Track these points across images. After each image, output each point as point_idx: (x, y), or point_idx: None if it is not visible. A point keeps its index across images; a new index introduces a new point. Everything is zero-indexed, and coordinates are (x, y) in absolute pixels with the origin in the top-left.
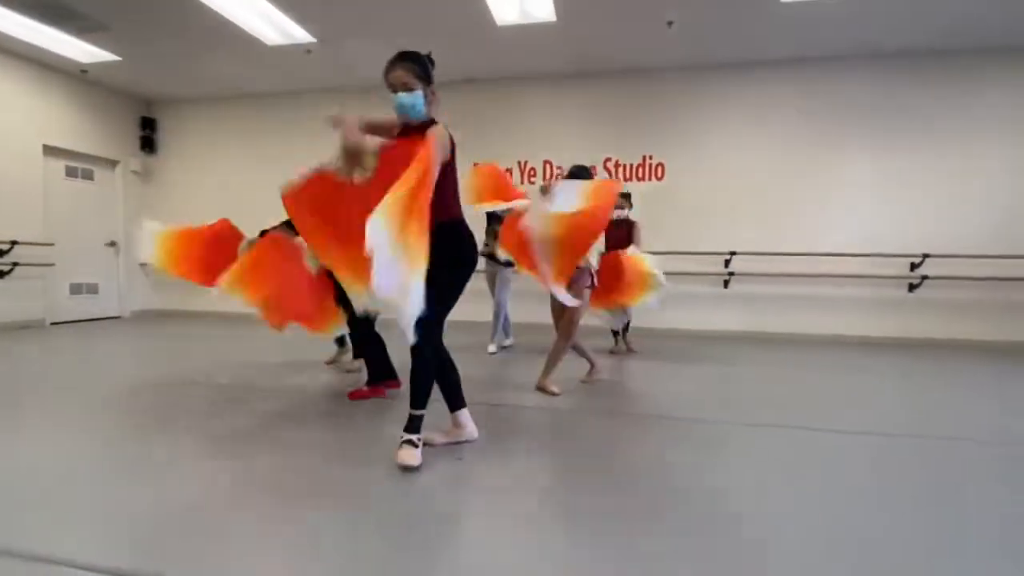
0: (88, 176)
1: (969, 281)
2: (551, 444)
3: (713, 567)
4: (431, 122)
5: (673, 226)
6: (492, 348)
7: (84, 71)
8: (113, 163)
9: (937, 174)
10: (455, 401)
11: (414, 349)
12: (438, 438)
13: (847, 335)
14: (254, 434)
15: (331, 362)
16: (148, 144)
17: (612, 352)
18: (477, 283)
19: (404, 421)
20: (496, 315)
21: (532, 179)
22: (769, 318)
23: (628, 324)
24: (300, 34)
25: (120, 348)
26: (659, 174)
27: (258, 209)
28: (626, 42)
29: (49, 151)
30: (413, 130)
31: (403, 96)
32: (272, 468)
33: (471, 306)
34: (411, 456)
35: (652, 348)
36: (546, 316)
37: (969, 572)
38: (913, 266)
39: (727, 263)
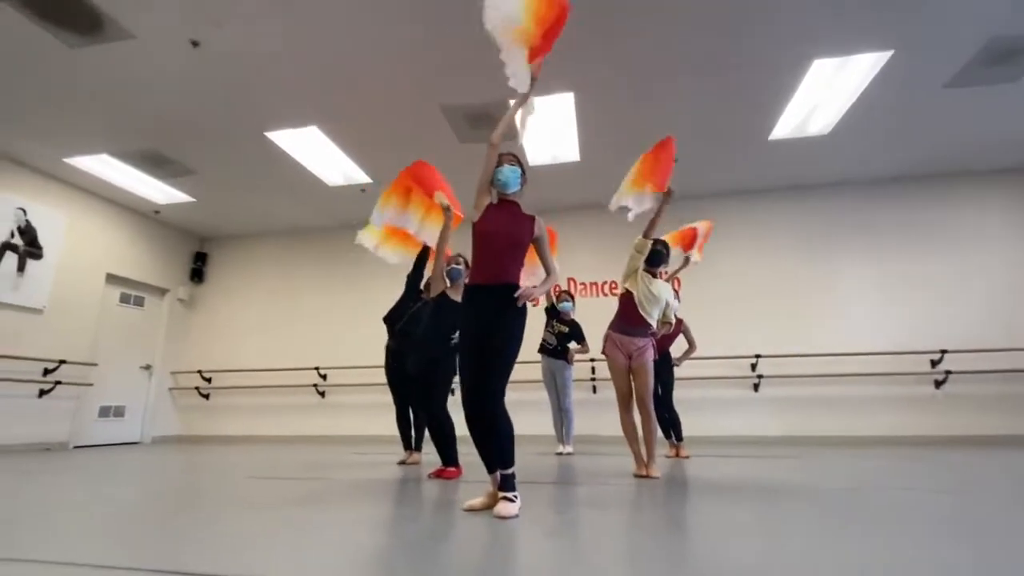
0: (139, 303)
1: (991, 374)
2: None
3: None
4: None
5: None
6: (569, 448)
7: (157, 212)
8: (163, 291)
9: (942, 276)
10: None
11: (493, 414)
12: (478, 503)
13: (885, 435)
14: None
15: (404, 462)
16: (197, 274)
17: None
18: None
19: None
20: (565, 414)
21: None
22: (800, 421)
23: (680, 429)
24: (360, 176)
25: (178, 459)
26: (674, 287)
27: (292, 335)
28: None
29: (111, 279)
30: (504, 204)
31: (506, 168)
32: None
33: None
34: (509, 509)
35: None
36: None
37: None
38: (933, 363)
39: (753, 367)
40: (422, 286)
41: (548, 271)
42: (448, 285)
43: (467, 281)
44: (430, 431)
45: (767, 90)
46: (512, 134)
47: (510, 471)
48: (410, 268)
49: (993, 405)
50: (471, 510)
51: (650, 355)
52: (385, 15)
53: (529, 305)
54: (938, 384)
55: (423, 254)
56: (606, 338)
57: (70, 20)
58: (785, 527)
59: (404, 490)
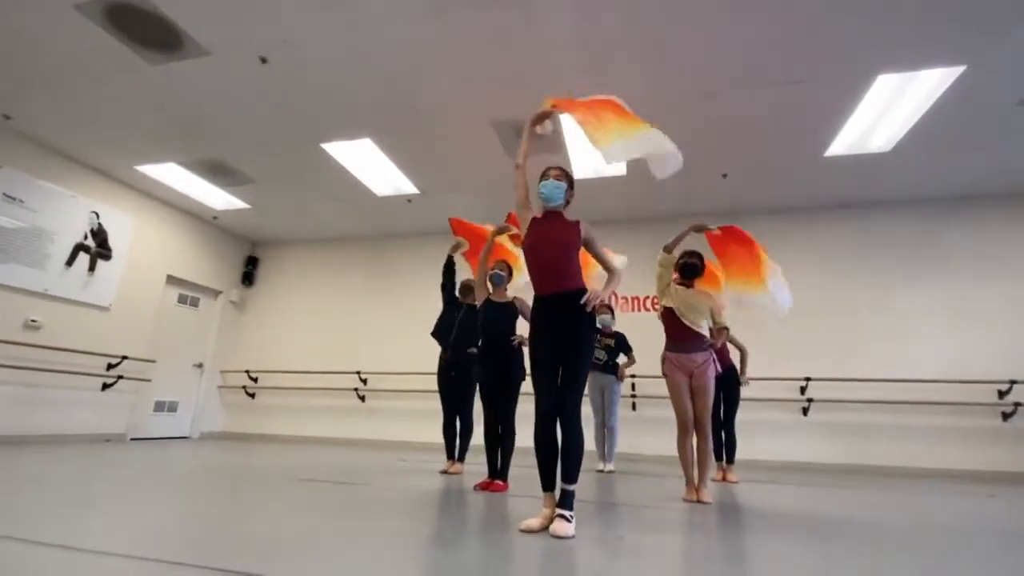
0: (194, 304)
1: None
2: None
3: None
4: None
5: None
6: (611, 466)
7: (215, 217)
8: (217, 293)
9: (1012, 302)
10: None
11: (570, 427)
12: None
13: (946, 468)
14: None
15: (445, 472)
16: (248, 278)
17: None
18: None
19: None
20: (610, 431)
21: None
22: (851, 448)
23: (734, 451)
24: (407, 187)
25: (228, 457)
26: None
27: (336, 340)
28: (685, 192)
29: (171, 280)
30: (548, 216)
31: (551, 182)
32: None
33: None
34: (566, 528)
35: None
36: None
37: None
38: (1001, 393)
39: (803, 390)
40: (458, 293)
41: (609, 271)
42: (491, 291)
43: (534, 295)
44: (488, 439)
45: (827, 105)
46: (555, 148)
47: (572, 488)
48: (440, 278)
49: None
50: (528, 531)
51: (711, 373)
52: (439, 31)
53: None
54: (1006, 416)
55: (449, 262)
56: (663, 359)
57: (153, 39)
58: (847, 570)
59: (456, 502)
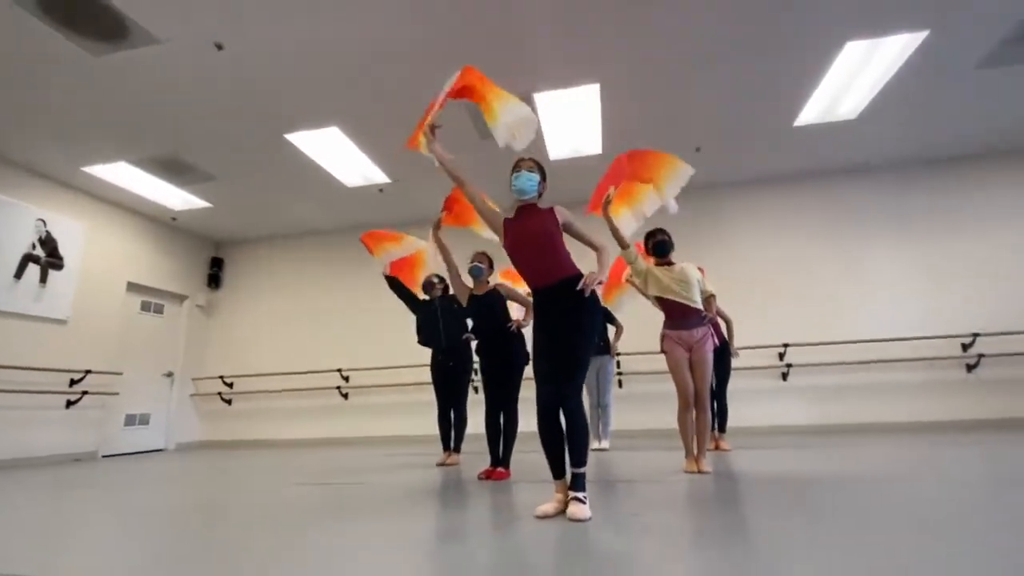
0: (159, 310)
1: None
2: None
3: None
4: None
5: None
6: (606, 444)
7: (174, 218)
8: (182, 298)
9: (972, 259)
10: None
11: (572, 411)
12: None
13: (918, 421)
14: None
15: (442, 463)
16: (214, 280)
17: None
18: None
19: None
20: (604, 409)
21: None
22: (830, 409)
23: (726, 421)
24: (378, 176)
25: (212, 467)
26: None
27: (313, 338)
28: None
29: (131, 287)
30: (522, 210)
31: (524, 174)
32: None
33: None
34: (582, 511)
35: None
36: None
37: None
38: (965, 347)
39: (781, 356)
40: (423, 291)
41: (597, 248)
42: (473, 285)
43: (530, 288)
44: (489, 429)
45: (795, 75)
46: (518, 141)
47: (582, 470)
48: (401, 301)
49: None
50: (544, 517)
51: (710, 346)
52: (406, 13)
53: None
54: (970, 368)
55: (391, 283)
56: (663, 337)
57: (95, 28)
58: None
59: (463, 494)
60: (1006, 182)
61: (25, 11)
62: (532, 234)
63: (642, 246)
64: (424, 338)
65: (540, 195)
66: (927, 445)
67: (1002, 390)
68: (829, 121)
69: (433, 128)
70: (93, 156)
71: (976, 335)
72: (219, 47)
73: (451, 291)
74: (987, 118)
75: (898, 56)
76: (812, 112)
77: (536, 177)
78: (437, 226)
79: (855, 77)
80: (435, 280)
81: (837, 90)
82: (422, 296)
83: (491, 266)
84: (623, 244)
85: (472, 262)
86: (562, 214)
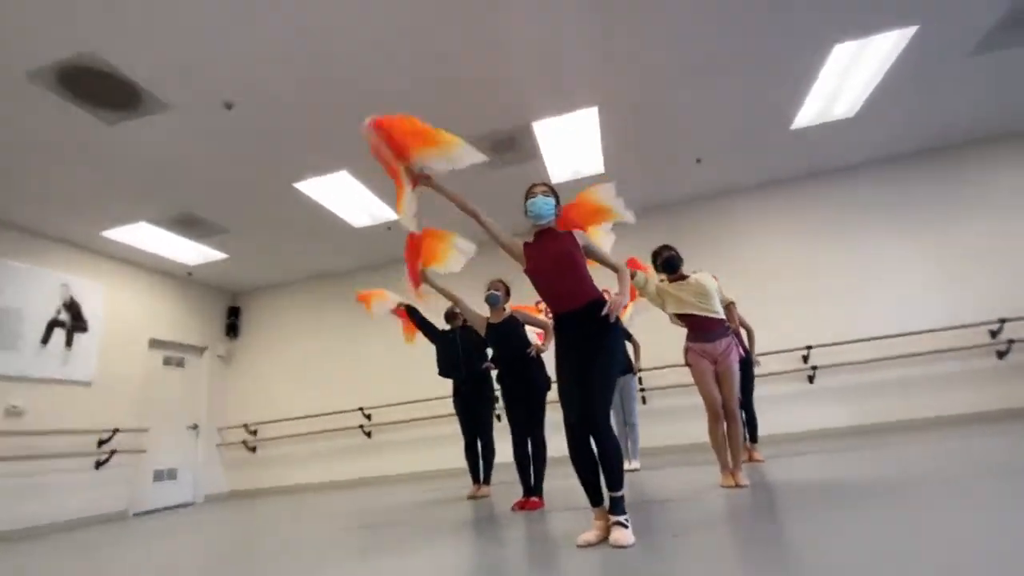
0: (180, 364)
1: None
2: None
3: None
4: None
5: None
6: (637, 464)
7: (190, 273)
8: (202, 350)
9: (988, 244)
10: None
11: (602, 437)
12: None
13: (952, 414)
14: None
15: (473, 496)
16: (232, 329)
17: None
18: None
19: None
20: (631, 429)
21: None
22: (860, 408)
23: (756, 431)
24: (385, 214)
25: (254, 522)
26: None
27: (332, 378)
28: (661, 181)
29: (153, 343)
30: (540, 235)
31: (539, 199)
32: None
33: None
34: (626, 536)
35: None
36: None
37: None
38: (993, 333)
39: (805, 358)
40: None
41: (616, 269)
42: (489, 313)
43: (552, 313)
44: (518, 458)
45: (788, 81)
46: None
47: (620, 493)
48: (421, 332)
49: None
50: (587, 545)
51: (735, 357)
52: (409, 51)
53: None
54: (1001, 355)
55: (412, 314)
56: (686, 351)
57: (109, 98)
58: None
59: (499, 526)
60: (1012, 165)
61: (41, 86)
62: (554, 257)
63: (647, 267)
64: (443, 369)
65: (556, 216)
66: (964, 438)
67: None
68: (826, 121)
69: (422, 177)
70: (112, 219)
71: (1003, 320)
72: (228, 107)
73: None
74: (986, 104)
75: (891, 52)
76: (808, 115)
77: (552, 201)
78: (419, 296)
79: (848, 77)
80: (456, 311)
81: (832, 90)
82: (444, 327)
83: (508, 293)
84: (620, 270)
85: (489, 290)
86: (581, 238)
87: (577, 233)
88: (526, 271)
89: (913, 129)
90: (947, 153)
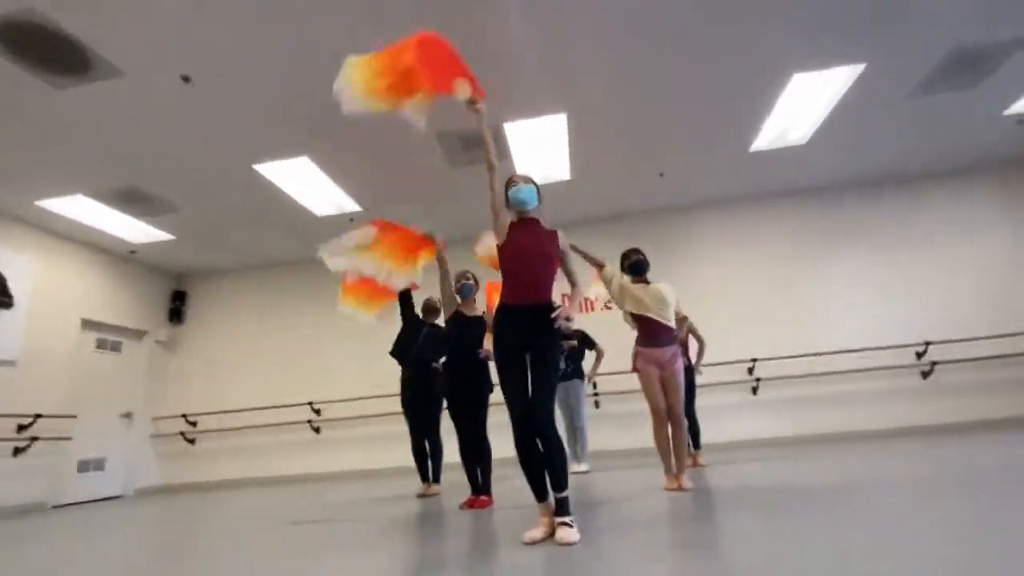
0: (116, 348)
1: (974, 362)
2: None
3: None
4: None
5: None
6: (585, 467)
7: (133, 252)
8: (141, 334)
9: (921, 271)
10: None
11: (547, 435)
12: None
13: (880, 428)
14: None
15: (422, 495)
16: (176, 315)
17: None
18: None
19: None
20: (579, 432)
21: None
22: (799, 420)
23: (699, 437)
24: (349, 205)
25: (187, 512)
26: None
27: (281, 371)
28: (626, 192)
29: (86, 324)
30: (526, 222)
31: (523, 187)
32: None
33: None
34: (570, 534)
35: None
36: None
37: None
38: (919, 355)
39: (750, 370)
40: (421, 313)
41: (574, 284)
42: (460, 302)
43: (501, 301)
44: (465, 456)
45: (749, 104)
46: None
47: (564, 494)
48: (399, 308)
49: (978, 391)
50: (533, 542)
51: (680, 365)
52: (378, 42)
53: None
54: (925, 375)
55: (404, 292)
56: (635, 355)
57: (58, 61)
58: (832, 531)
59: (447, 524)
60: (943, 200)
61: None
62: (536, 250)
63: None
64: (397, 351)
65: (539, 204)
66: (890, 451)
67: (954, 394)
68: (781, 146)
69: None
70: (49, 189)
71: (928, 343)
72: (186, 79)
73: (442, 321)
74: (923, 142)
75: (841, 86)
76: (766, 139)
77: (534, 188)
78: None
79: (803, 106)
80: (437, 306)
81: (789, 117)
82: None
83: (477, 284)
84: (599, 264)
85: (460, 281)
86: (563, 241)
87: (561, 236)
88: (500, 248)
89: (852, 162)
90: (882, 187)
